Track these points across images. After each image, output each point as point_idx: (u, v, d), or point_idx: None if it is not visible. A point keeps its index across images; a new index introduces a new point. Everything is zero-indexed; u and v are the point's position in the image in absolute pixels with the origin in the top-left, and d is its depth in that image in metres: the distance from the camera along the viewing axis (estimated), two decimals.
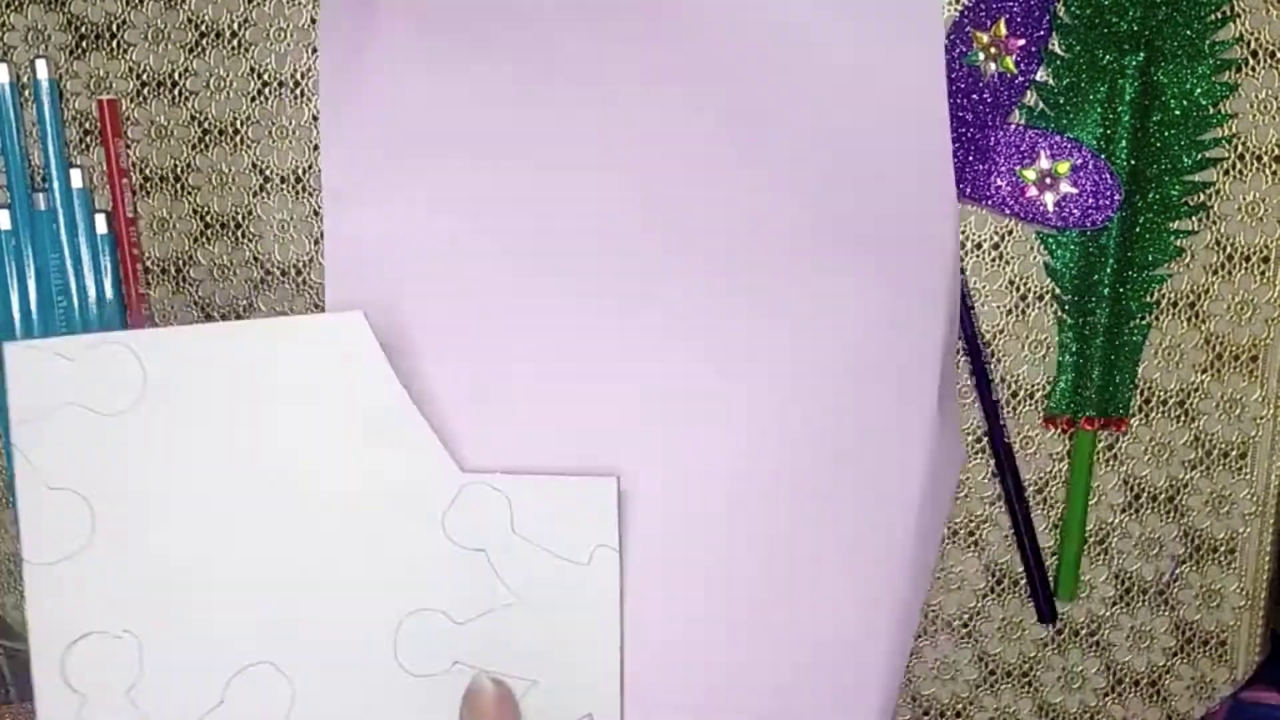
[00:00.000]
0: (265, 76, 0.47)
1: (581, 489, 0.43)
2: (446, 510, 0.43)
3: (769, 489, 0.46)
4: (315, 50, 0.47)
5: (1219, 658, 0.49)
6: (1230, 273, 0.46)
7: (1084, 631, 0.49)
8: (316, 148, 0.47)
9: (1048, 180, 0.45)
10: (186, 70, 0.47)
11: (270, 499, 0.42)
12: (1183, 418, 0.47)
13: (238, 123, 0.47)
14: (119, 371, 0.41)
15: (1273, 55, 0.45)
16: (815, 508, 0.46)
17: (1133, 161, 0.45)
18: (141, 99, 0.47)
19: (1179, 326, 0.47)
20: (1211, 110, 0.45)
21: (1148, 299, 0.46)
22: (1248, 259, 0.46)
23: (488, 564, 0.43)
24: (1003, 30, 0.45)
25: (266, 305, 0.48)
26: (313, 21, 0.47)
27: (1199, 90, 0.45)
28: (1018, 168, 0.45)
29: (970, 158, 0.45)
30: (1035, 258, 0.47)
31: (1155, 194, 0.46)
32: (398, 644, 0.43)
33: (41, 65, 0.47)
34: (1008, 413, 0.48)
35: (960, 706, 0.50)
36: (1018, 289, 0.47)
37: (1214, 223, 0.46)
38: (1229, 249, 0.46)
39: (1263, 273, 0.46)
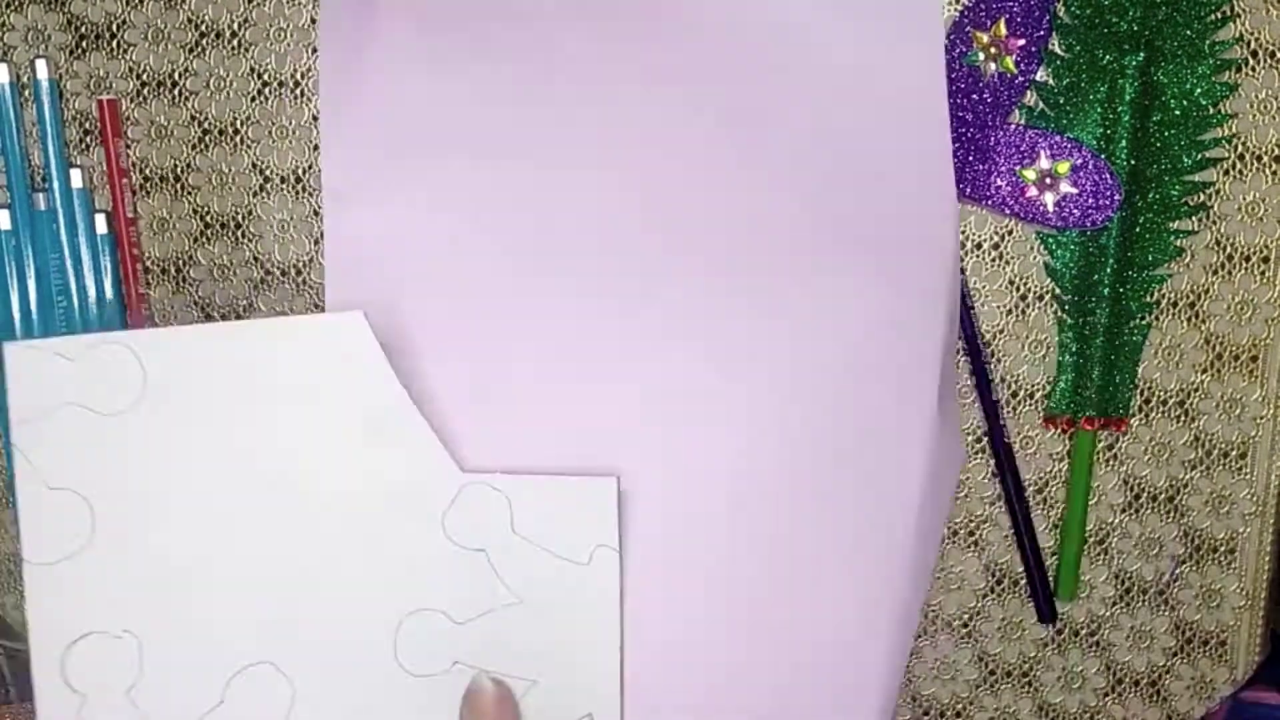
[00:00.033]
0: (265, 76, 0.47)
1: (581, 489, 0.43)
2: (447, 510, 0.43)
3: (769, 489, 0.46)
4: (315, 50, 0.47)
5: (1219, 658, 0.49)
6: (1230, 273, 0.46)
7: (1084, 631, 0.49)
8: (316, 148, 0.47)
9: (1048, 180, 0.45)
10: (186, 70, 0.47)
11: (270, 499, 0.42)
12: (1183, 418, 0.47)
13: (238, 123, 0.47)
14: (119, 371, 0.41)
15: (1273, 55, 0.45)
16: (815, 507, 0.46)
17: (1133, 161, 0.45)
18: (141, 99, 0.47)
19: (1179, 326, 0.47)
20: (1211, 110, 0.45)
21: (1148, 299, 0.46)
22: (1248, 259, 0.46)
23: (488, 564, 0.43)
24: (1003, 30, 0.45)
25: (266, 305, 0.48)
26: (313, 21, 0.47)
27: (1199, 90, 0.45)
28: (1018, 168, 0.45)
29: (970, 158, 0.45)
30: (1035, 258, 0.47)
31: (1155, 194, 0.46)
32: (398, 644, 0.43)
33: (41, 65, 0.47)
34: (1008, 413, 0.48)
35: (960, 706, 0.50)
36: (1018, 289, 0.47)
37: (1214, 223, 0.46)
38: (1229, 249, 0.46)
39: (1263, 273, 0.46)
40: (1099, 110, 0.45)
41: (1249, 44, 0.45)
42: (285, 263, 0.48)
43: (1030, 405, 0.48)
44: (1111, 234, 0.46)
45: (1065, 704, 0.49)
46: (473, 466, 0.44)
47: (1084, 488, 0.47)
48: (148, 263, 0.48)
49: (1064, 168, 0.45)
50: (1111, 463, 0.48)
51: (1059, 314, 0.47)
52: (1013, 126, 0.45)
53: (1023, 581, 0.48)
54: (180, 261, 0.48)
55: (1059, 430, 0.48)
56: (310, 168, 0.47)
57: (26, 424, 0.41)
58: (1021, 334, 0.47)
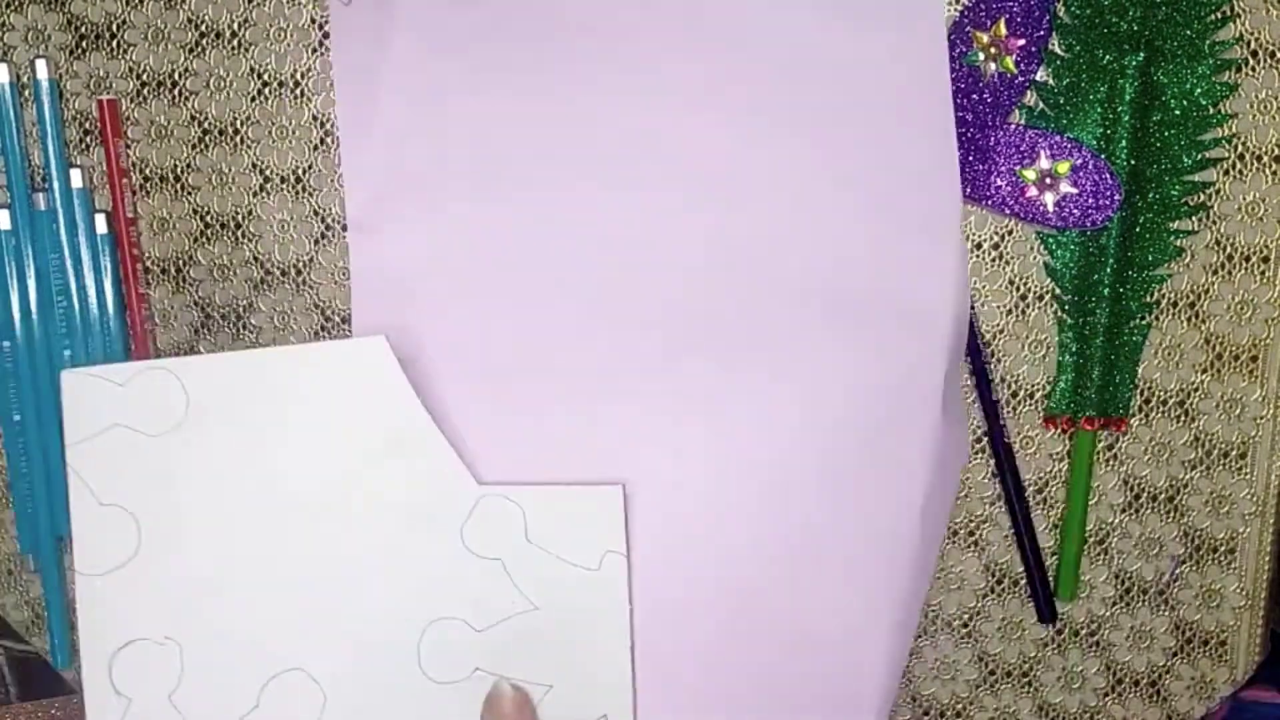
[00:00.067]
0: (265, 76, 0.47)
1: (590, 498, 0.45)
2: (465, 522, 0.45)
3: (774, 494, 0.46)
4: (315, 50, 0.47)
5: (1219, 658, 0.48)
6: (1230, 273, 0.46)
7: (1084, 631, 0.49)
8: (316, 147, 0.47)
9: (1048, 180, 0.45)
10: (186, 70, 0.47)
11: (301, 513, 0.44)
12: (1183, 418, 0.47)
13: (238, 123, 0.47)
14: (164, 395, 0.44)
15: (1273, 55, 0.45)
16: (819, 510, 0.46)
17: (1133, 161, 0.45)
18: (141, 99, 0.47)
19: (1179, 326, 0.47)
20: (1211, 110, 0.45)
21: (1148, 299, 0.46)
22: (1248, 259, 0.46)
23: (504, 572, 0.45)
24: (1003, 30, 0.45)
25: (266, 305, 0.48)
26: (313, 21, 0.47)
27: (1199, 90, 0.45)
28: (1018, 168, 0.45)
29: (970, 158, 0.45)
30: (1035, 258, 0.47)
31: (1155, 194, 0.46)
32: (421, 651, 0.45)
33: (41, 65, 0.47)
34: (1008, 413, 0.48)
35: (960, 707, 0.50)
36: (1018, 289, 0.47)
37: (1214, 223, 0.46)
38: (1229, 249, 0.46)
39: (1263, 273, 0.46)
40: (1099, 110, 0.45)
41: (1249, 44, 0.45)
42: (285, 263, 0.48)
43: (1030, 405, 0.48)
44: (1111, 234, 0.46)
45: (1065, 704, 0.49)
46: (488, 479, 0.45)
47: (1084, 488, 0.47)
48: (148, 263, 0.48)
49: (1064, 168, 0.45)
50: (1111, 463, 0.48)
51: (1059, 314, 0.47)
52: (1013, 126, 0.45)
53: (1023, 581, 0.48)
54: (180, 261, 0.48)
55: (1059, 430, 0.48)
56: (310, 168, 0.47)
57: (80, 445, 0.44)
58: (1021, 334, 0.47)
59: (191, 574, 0.44)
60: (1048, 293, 0.47)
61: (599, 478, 0.45)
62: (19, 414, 0.47)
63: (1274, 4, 0.44)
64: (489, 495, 0.45)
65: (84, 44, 0.47)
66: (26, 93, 0.47)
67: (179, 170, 0.48)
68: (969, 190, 0.46)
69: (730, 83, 0.45)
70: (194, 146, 0.48)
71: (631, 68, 0.45)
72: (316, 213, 0.48)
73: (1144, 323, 0.46)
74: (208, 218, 0.48)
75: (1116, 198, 0.45)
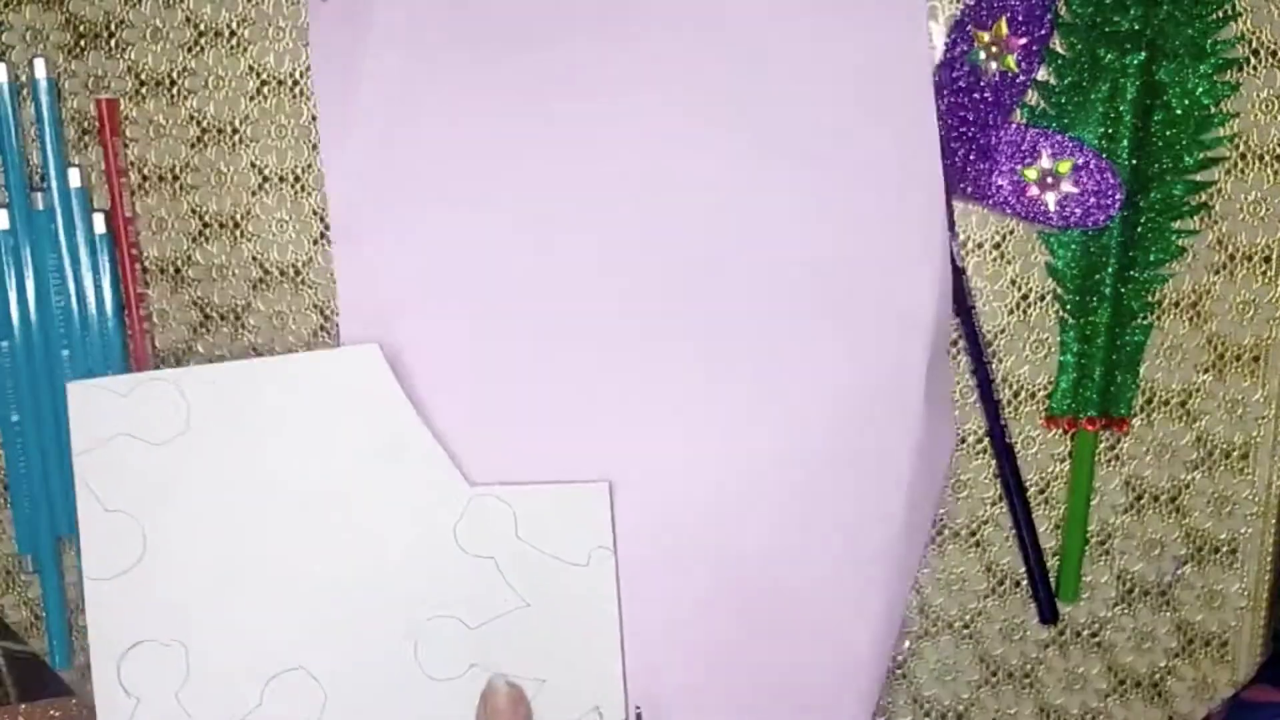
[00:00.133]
0: (263, 75, 0.47)
1: (577, 495, 0.46)
2: (457, 522, 0.46)
3: (758, 489, 0.46)
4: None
5: (1220, 658, 0.48)
6: (1232, 272, 0.46)
7: (1085, 632, 0.49)
8: (315, 147, 0.47)
9: (1049, 180, 0.45)
10: (185, 69, 0.47)
11: (300, 517, 0.46)
12: (1185, 418, 0.47)
13: (236, 122, 0.47)
14: (165, 404, 0.45)
15: (1274, 54, 0.45)
16: (803, 505, 0.46)
17: (1134, 161, 0.45)
18: (140, 98, 0.47)
19: (1181, 326, 0.47)
20: (1213, 109, 0.45)
21: (1150, 299, 0.46)
22: (1250, 259, 0.46)
23: (496, 570, 0.46)
24: (1004, 29, 0.45)
25: (265, 305, 0.48)
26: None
27: (1201, 89, 0.45)
28: (1019, 167, 0.45)
29: (972, 157, 0.45)
30: (1037, 257, 0.47)
31: (1157, 193, 0.45)
32: (418, 648, 0.46)
33: (40, 64, 0.46)
34: (1009, 413, 0.47)
35: (962, 708, 0.49)
36: (1019, 289, 0.47)
37: (1216, 222, 0.46)
38: (1231, 249, 0.46)
39: (1265, 273, 0.46)
40: (1101, 109, 0.45)
41: (1251, 43, 0.45)
42: (284, 262, 0.48)
43: (1032, 405, 0.47)
44: (1113, 234, 0.45)
45: (1067, 705, 0.49)
46: (479, 480, 0.46)
47: (1085, 488, 0.47)
48: (146, 262, 0.48)
49: (1066, 167, 0.45)
50: (1113, 463, 0.48)
51: (1061, 314, 0.47)
52: (1014, 126, 0.45)
53: (1024, 582, 0.48)
54: (179, 261, 0.48)
55: (1061, 430, 0.47)
56: (309, 167, 0.47)
57: (86, 454, 0.45)
58: (1023, 334, 0.47)
59: (195, 577, 0.45)
60: (1049, 293, 0.47)
61: (586, 476, 0.46)
62: (17, 414, 0.47)
63: (1275, 3, 0.44)
64: (480, 495, 0.46)
65: (82, 43, 0.47)
66: (25, 92, 0.47)
67: (177, 169, 0.48)
68: (970, 190, 0.45)
69: (711, 85, 0.45)
70: (192, 146, 0.47)
71: (612, 70, 0.45)
72: (315, 212, 0.47)
73: (1146, 323, 0.46)
74: (206, 217, 0.48)
75: (1118, 197, 0.45)
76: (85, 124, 0.47)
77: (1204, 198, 0.46)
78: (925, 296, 0.45)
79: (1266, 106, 0.45)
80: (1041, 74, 0.45)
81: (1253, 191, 0.46)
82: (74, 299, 0.47)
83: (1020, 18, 0.44)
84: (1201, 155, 0.45)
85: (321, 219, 0.47)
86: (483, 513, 0.46)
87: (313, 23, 0.46)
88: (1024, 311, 0.47)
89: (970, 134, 0.45)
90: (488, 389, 0.47)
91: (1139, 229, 0.46)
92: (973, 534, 0.48)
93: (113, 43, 0.47)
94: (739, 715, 0.47)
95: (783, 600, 0.47)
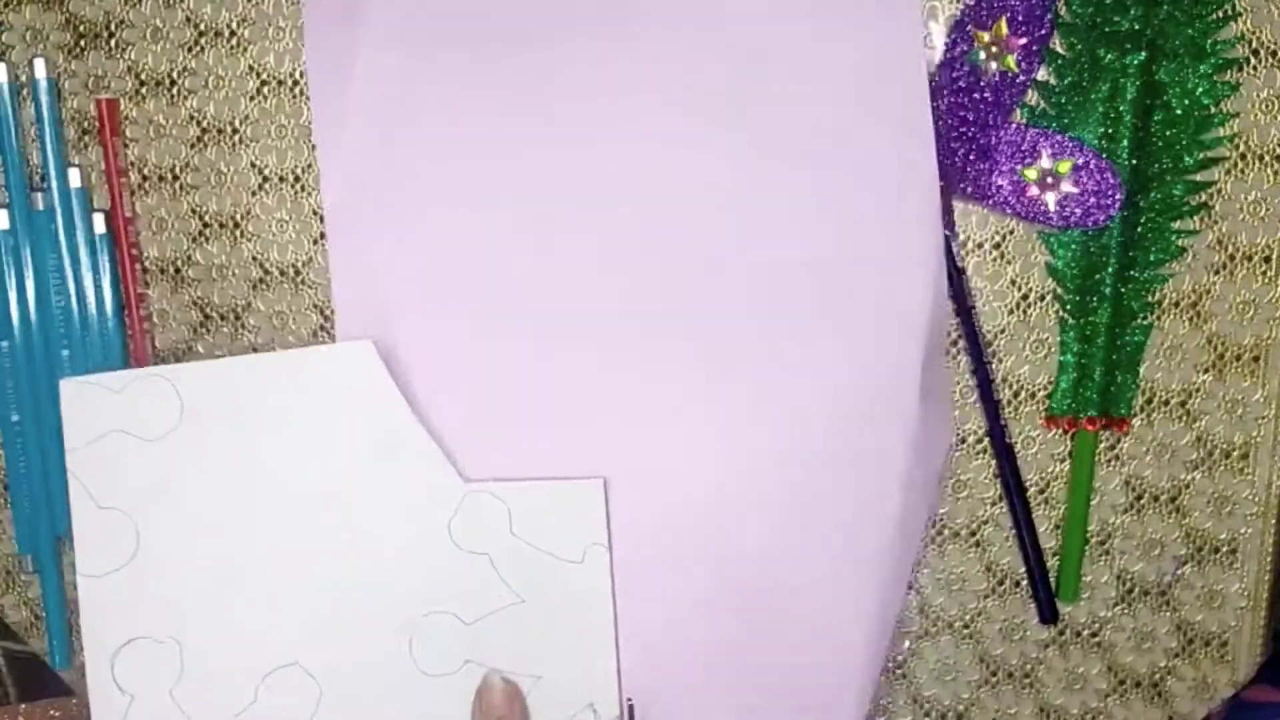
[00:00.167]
0: (263, 75, 0.47)
1: (572, 492, 0.46)
2: (452, 518, 0.46)
3: (754, 486, 0.46)
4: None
5: (1220, 658, 0.48)
6: (1232, 272, 0.46)
7: (1085, 632, 0.49)
8: (315, 147, 0.47)
9: (1049, 180, 0.45)
10: (185, 69, 0.47)
11: (294, 513, 0.46)
12: (1184, 418, 0.47)
13: (236, 122, 0.47)
14: (159, 401, 0.45)
15: (1274, 54, 0.45)
16: (799, 503, 0.46)
17: (1134, 161, 0.45)
18: (140, 98, 0.47)
19: (1181, 326, 0.47)
20: (1213, 109, 0.45)
21: (1150, 299, 0.46)
22: (1250, 259, 0.46)
23: (491, 566, 0.46)
24: (1004, 29, 0.45)
25: (265, 305, 0.48)
26: None
27: (1201, 89, 0.45)
28: (1019, 167, 0.45)
29: (972, 157, 0.45)
30: (1037, 257, 0.47)
31: (1157, 193, 0.45)
32: (413, 645, 0.46)
33: (40, 64, 0.46)
34: (1009, 413, 0.47)
35: (962, 708, 0.49)
36: (1019, 289, 0.47)
37: (1216, 222, 0.46)
38: (1231, 249, 0.46)
39: (1265, 273, 0.46)
40: (1101, 109, 0.45)
41: (1251, 43, 0.45)
42: (284, 262, 0.48)
43: (1032, 405, 0.47)
44: (1113, 234, 0.45)
45: (1067, 705, 0.49)
46: (474, 477, 0.46)
47: (1085, 488, 0.47)
48: (146, 262, 0.48)
49: (1066, 167, 0.45)
50: (1113, 463, 0.48)
51: (1061, 314, 0.47)
52: (1014, 126, 0.45)
53: (1024, 582, 0.48)
54: (179, 261, 0.48)
55: (1061, 430, 0.47)
56: (309, 167, 0.47)
57: (79, 451, 0.45)
58: (1023, 334, 0.47)
59: (189, 574, 0.45)
60: (1049, 293, 0.47)
61: (582, 473, 0.46)
62: (17, 414, 0.47)
63: (1275, 3, 0.44)
64: (475, 492, 0.46)
65: (82, 43, 0.47)
66: (25, 92, 0.47)
67: (177, 169, 0.48)
68: (970, 190, 0.45)
69: (711, 85, 0.45)
70: (192, 146, 0.47)
71: (611, 70, 0.45)
72: (315, 212, 0.47)
73: (1146, 323, 0.46)
74: (206, 217, 0.48)
75: (1118, 197, 0.45)
76: (85, 124, 0.47)
77: (1204, 198, 0.46)
78: (925, 296, 0.45)
79: (1266, 106, 0.45)
80: (1041, 74, 0.45)
81: (1253, 191, 0.46)
82: (74, 299, 0.47)
83: (1020, 18, 0.44)
84: (1201, 155, 0.45)
85: (322, 219, 0.47)
86: (477, 509, 0.46)
87: (307, 22, 0.46)
88: (1024, 311, 0.47)
89: (970, 134, 0.45)
90: (487, 389, 0.46)
91: (1139, 229, 0.46)
92: (973, 534, 0.48)
93: (113, 43, 0.47)
94: (737, 714, 0.47)
95: (782, 600, 0.47)
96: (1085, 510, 0.47)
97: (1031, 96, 0.45)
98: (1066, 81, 0.45)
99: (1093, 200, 0.45)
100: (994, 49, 0.45)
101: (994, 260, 0.47)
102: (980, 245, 0.47)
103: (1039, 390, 0.47)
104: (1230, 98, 0.45)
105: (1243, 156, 0.45)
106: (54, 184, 0.47)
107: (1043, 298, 0.47)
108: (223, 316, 0.48)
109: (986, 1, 0.45)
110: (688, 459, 0.46)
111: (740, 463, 0.46)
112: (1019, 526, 0.47)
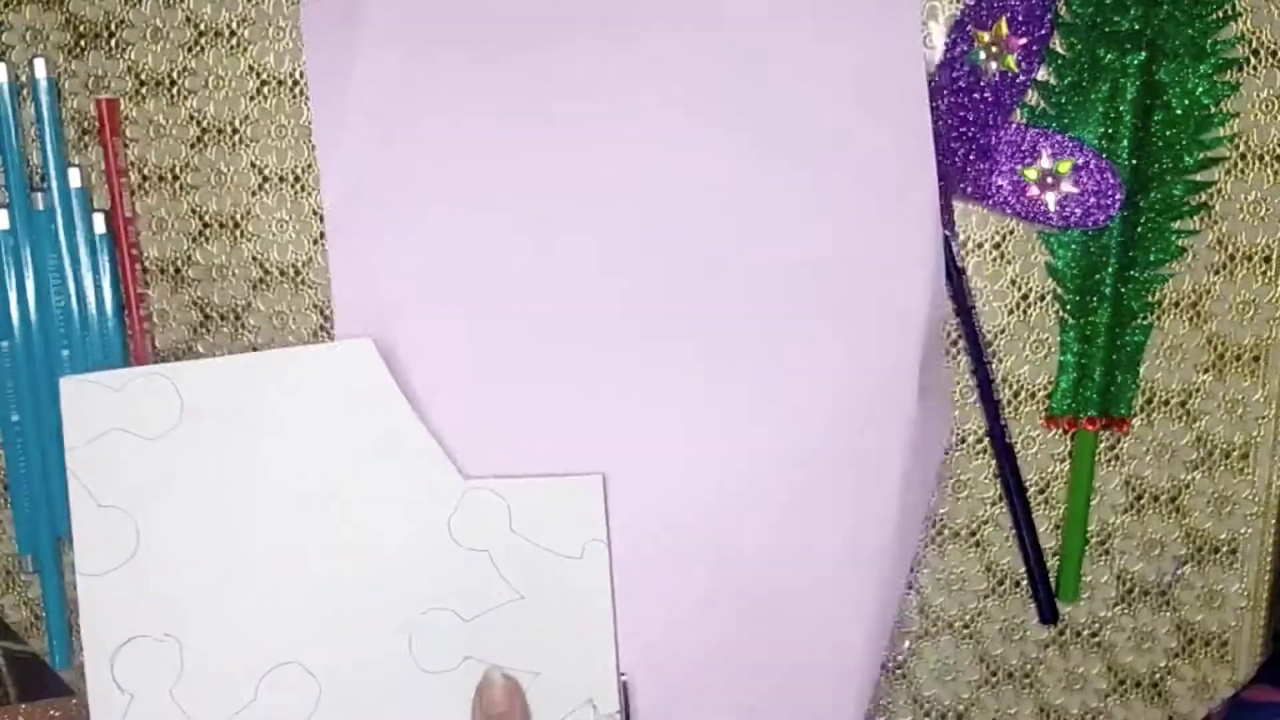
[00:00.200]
0: (263, 75, 0.47)
1: (571, 488, 0.46)
2: (451, 515, 0.46)
3: (752, 484, 0.46)
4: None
5: (1220, 658, 0.48)
6: (1232, 272, 0.46)
7: (1085, 632, 0.49)
8: (315, 147, 0.47)
9: (1049, 180, 0.45)
10: (185, 69, 0.47)
11: (294, 511, 0.46)
12: (1185, 418, 0.47)
13: (236, 122, 0.47)
14: (159, 399, 0.45)
15: (1274, 54, 0.45)
16: (797, 501, 0.46)
17: (1134, 161, 0.45)
18: (140, 98, 0.47)
19: (1181, 326, 0.47)
20: (1213, 109, 0.45)
21: (1150, 299, 0.46)
22: (1250, 259, 0.46)
23: (490, 563, 0.46)
24: (1004, 29, 0.45)
25: (265, 305, 0.48)
26: None
27: (1201, 89, 0.45)
28: (1019, 167, 0.45)
29: (972, 157, 0.45)
30: (1037, 257, 0.47)
31: (1157, 193, 0.45)
32: (413, 642, 0.46)
33: (40, 64, 0.46)
34: (1009, 413, 0.47)
35: (962, 708, 0.49)
36: (1019, 289, 0.47)
37: (1216, 222, 0.46)
38: (1231, 249, 0.46)
39: (1265, 273, 0.46)
40: (1101, 109, 0.45)
41: (1251, 43, 0.45)
42: (284, 262, 0.48)
43: (1032, 405, 0.47)
44: (1113, 234, 0.45)
45: (1067, 705, 0.49)
46: (473, 474, 0.46)
47: (1085, 488, 0.47)
48: (146, 262, 0.48)
49: (1066, 167, 0.45)
50: (1113, 463, 0.48)
51: (1061, 314, 0.47)
52: (1014, 126, 0.45)
53: (1024, 582, 0.48)
54: (179, 261, 0.48)
55: (1060, 430, 0.47)
56: (309, 167, 0.47)
57: (78, 449, 0.45)
58: (1023, 334, 0.47)
59: (189, 572, 0.45)
60: (1049, 293, 0.47)
61: (581, 469, 0.46)
62: (17, 414, 0.47)
63: (1275, 3, 0.44)
64: (474, 489, 0.46)
65: (82, 43, 0.47)
66: (25, 92, 0.47)
67: (177, 169, 0.48)
68: (970, 190, 0.45)
69: (711, 85, 0.45)
70: (192, 146, 0.47)
71: (611, 70, 0.45)
72: (315, 212, 0.47)
73: (1146, 323, 0.46)
74: (206, 217, 0.48)
75: (1118, 197, 0.45)
76: (85, 124, 0.47)
77: (1204, 198, 0.46)
78: (924, 296, 0.45)
79: (1266, 106, 0.45)
80: (1041, 74, 0.45)
81: (1253, 191, 0.46)
82: (74, 299, 0.47)
83: (1020, 18, 0.44)
84: (1201, 155, 0.45)
85: (322, 219, 0.47)
86: (477, 506, 0.46)
87: (306, 22, 0.46)
88: (1024, 311, 0.47)
89: (970, 134, 0.45)
90: (487, 388, 0.47)
91: (1139, 229, 0.46)
92: (973, 534, 0.48)
93: (113, 43, 0.47)
94: (737, 714, 0.47)
95: (781, 599, 0.47)
96: (1085, 510, 0.47)
97: (1031, 96, 0.45)
98: (1066, 81, 0.45)
99: (1093, 200, 0.45)
100: (994, 49, 0.45)
101: (994, 260, 0.47)
102: (980, 245, 0.47)
103: (1039, 390, 0.47)
104: (1230, 98, 0.45)
105: (1243, 156, 0.45)
106: (54, 184, 0.47)
107: (1043, 298, 0.47)
108: (223, 316, 0.48)
109: (986, 1, 0.45)
110: (687, 458, 0.46)
111: (740, 462, 0.46)
112: (1019, 526, 0.47)
